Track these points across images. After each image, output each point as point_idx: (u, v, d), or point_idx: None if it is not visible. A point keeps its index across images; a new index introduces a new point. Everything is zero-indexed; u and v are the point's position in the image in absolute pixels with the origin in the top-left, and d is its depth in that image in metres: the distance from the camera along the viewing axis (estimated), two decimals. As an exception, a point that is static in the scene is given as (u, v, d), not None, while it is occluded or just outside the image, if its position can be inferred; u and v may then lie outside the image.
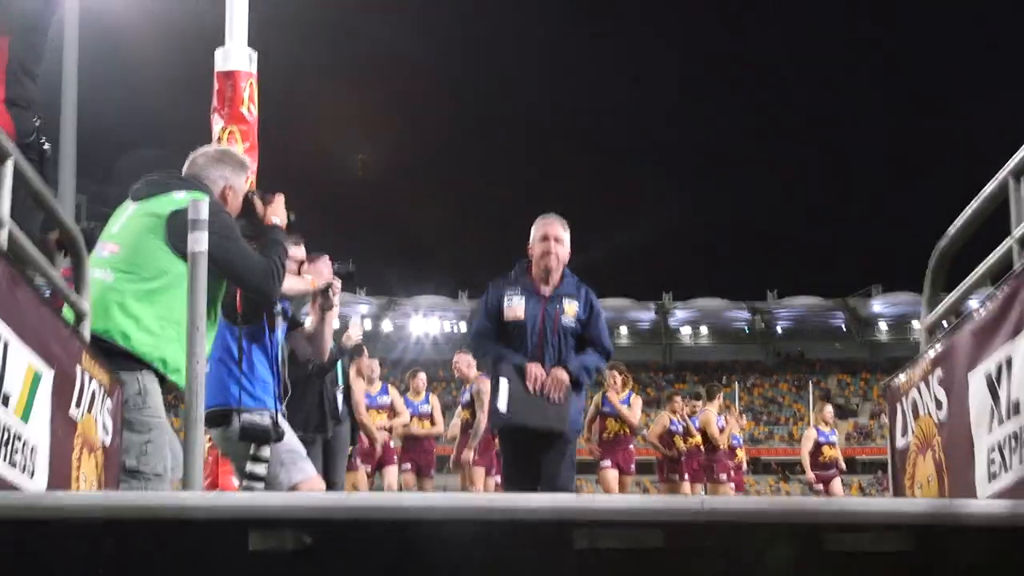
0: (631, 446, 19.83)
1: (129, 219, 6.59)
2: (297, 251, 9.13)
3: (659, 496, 14.30)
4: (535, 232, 8.94)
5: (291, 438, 8.51)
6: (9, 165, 5.05)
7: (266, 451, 8.16)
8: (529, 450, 8.91)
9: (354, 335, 13.07)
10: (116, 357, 6.22)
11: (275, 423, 8.18)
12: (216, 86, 11.98)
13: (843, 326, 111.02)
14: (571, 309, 8.83)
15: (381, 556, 3.39)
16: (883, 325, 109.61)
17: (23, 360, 4.84)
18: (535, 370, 8.73)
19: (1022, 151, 5.55)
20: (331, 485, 12.45)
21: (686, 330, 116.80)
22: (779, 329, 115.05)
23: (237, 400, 8.22)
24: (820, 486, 23.22)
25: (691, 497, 17.12)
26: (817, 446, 23.46)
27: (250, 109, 12.05)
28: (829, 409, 24.61)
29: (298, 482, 8.36)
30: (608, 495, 13.08)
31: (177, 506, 3.91)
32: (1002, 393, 5.18)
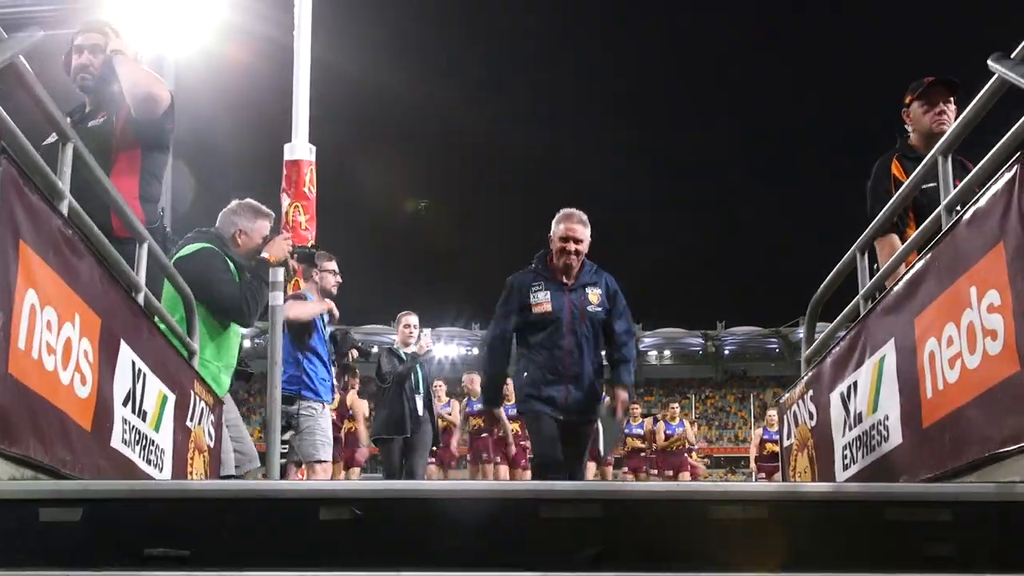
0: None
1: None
2: (330, 264, 9.98)
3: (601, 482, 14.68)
4: (556, 229, 7.72)
5: (327, 426, 9.56)
6: (145, 247, 5.57)
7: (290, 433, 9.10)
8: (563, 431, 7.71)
9: (425, 344, 12.89)
10: None
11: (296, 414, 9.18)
12: (285, 172, 12.36)
13: (777, 349, 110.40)
14: (595, 296, 7.72)
15: (408, 525, 3.65)
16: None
17: (156, 387, 5.29)
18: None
19: (865, 233, 5.98)
20: (412, 475, 12.44)
21: (653, 353, 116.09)
22: (726, 352, 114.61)
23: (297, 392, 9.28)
24: (763, 475, 23.43)
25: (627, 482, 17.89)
26: (762, 442, 24.04)
27: (310, 189, 12.36)
28: (773, 413, 24.97)
29: (320, 459, 9.37)
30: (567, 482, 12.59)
31: (273, 489, 4.36)
32: (851, 407, 5.57)
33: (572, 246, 7.60)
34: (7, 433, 3.61)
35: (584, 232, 7.67)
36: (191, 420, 5.87)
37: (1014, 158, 3.91)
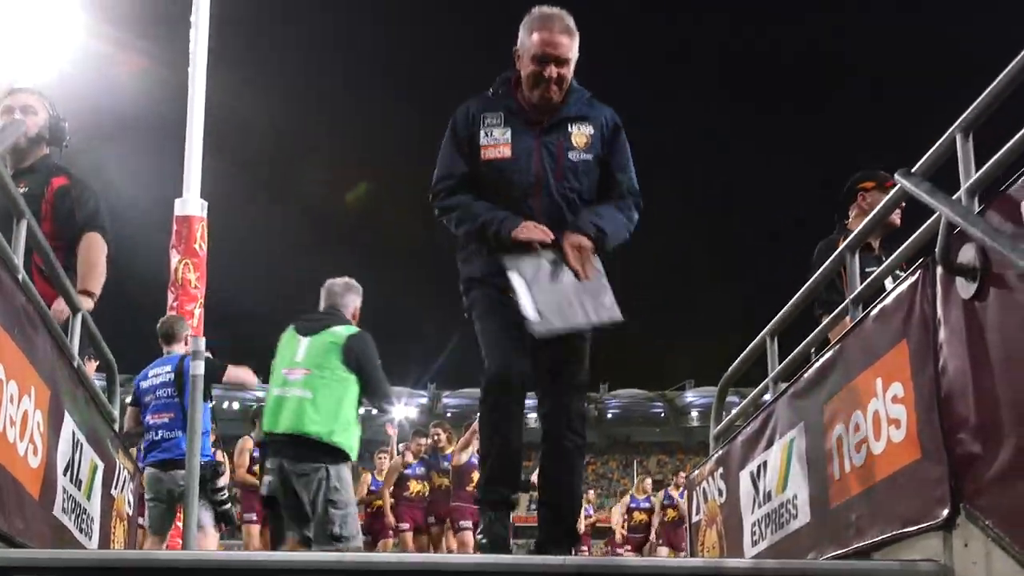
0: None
1: (309, 348, 7.91)
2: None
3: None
4: (526, 41, 4.94)
5: None
6: (79, 317, 6.00)
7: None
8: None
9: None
10: (318, 451, 7.74)
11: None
12: (175, 227, 12.84)
13: (663, 414, 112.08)
14: (581, 137, 4.93)
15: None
16: (694, 413, 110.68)
17: (89, 456, 5.73)
18: (531, 232, 4.90)
19: (777, 317, 6.58)
20: None
21: (532, 415, 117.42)
22: (609, 416, 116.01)
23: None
24: (628, 546, 23.35)
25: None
26: (629, 511, 24.04)
27: (201, 246, 12.90)
28: (648, 481, 25.42)
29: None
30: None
31: (193, 558, 4.84)
32: (760, 486, 6.17)
33: (552, 70, 4.89)
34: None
35: (570, 46, 4.93)
36: (115, 488, 6.29)
37: (917, 263, 4.61)
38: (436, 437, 16.03)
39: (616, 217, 5.14)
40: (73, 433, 5.38)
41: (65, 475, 5.26)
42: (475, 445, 13.94)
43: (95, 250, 6.42)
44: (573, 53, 4.94)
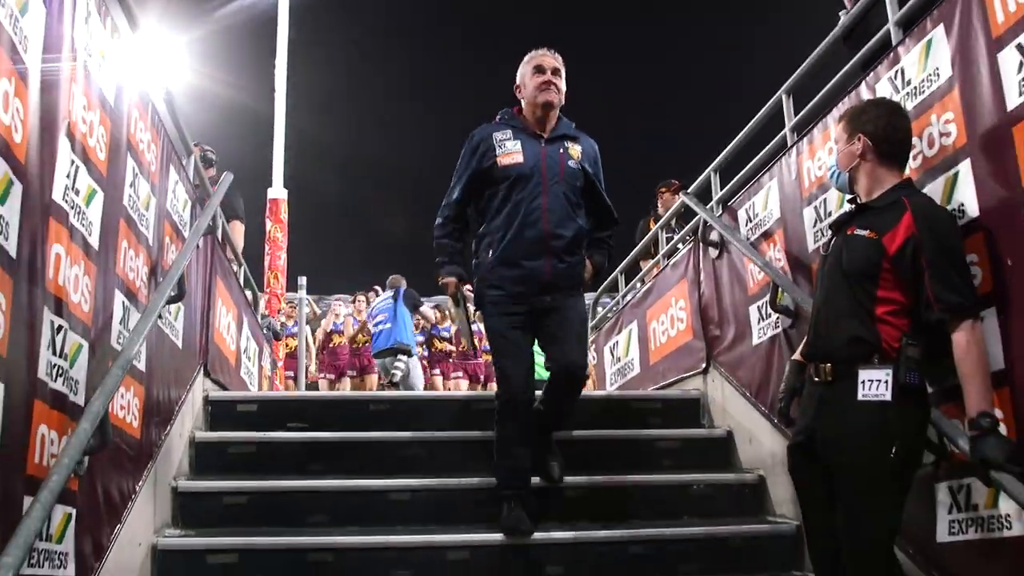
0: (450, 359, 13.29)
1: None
2: None
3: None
4: (527, 68, 4.19)
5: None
6: (242, 269, 6.84)
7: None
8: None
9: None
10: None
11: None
12: (268, 205, 13.28)
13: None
14: (575, 151, 4.17)
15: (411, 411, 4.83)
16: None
17: (252, 343, 6.58)
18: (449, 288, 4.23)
19: (623, 263, 7.36)
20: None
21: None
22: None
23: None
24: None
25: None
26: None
27: (284, 217, 13.30)
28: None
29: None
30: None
31: (344, 396, 5.63)
32: (616, 354, 6.84)
33: (550, 76, 4.13)
34: (212, 368, 5.02)
35: (558, 66, 4.18)
36: (261, 360, 7.11)
37: (691, 239, 5.54)
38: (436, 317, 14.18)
39: (604, 259, 4.38)
40: (246, 331, 6.30)
41: (244, 353, 6.17)
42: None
43: (238, 232, 6.87)
44: (563, 74, 4.15)
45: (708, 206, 5.29)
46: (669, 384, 5.65)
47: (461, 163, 4.22)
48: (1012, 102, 2.82)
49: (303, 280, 10.14)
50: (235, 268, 6.12)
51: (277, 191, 13.35)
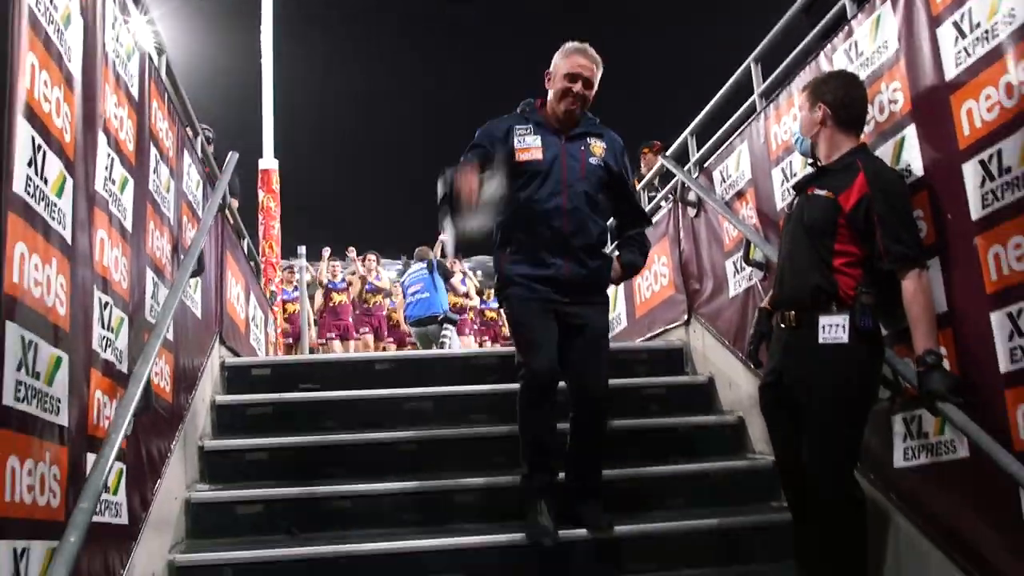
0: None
1: None
2: None
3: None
4: (560, 64, 3.87)
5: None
6: (246, 240, 7.11)
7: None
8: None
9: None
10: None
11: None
12: (260, 176, 13.40)
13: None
14: (597, 148, 3.89)
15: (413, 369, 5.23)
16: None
17: (258, 310, 6.88)
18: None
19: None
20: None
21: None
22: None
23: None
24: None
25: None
26: None
27: (276, 186, 13.41)
28: None
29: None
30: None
31: (351, 359, 5.93)
32: None
33: (579, 87, 3.83)
34: (227, 336, 5.34)
35: (596, 74, 3.90)
36: (267, 327, 7.43)
37: (672, 198, 5.84)
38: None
39: (638, 258, 4.10)
40: (253, 300, 6.59)
41: (252, 321, 6.48)
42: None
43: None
44: (597, 80, 3.87)
45: (686, 168, 5.58)
46: (654, 336, 5.96)
47: (474, 150, 3.82)
48: (950, 73, 3.13)
49: (302, 249, 10.45)
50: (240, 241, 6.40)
51: (268, 162, 13.43)
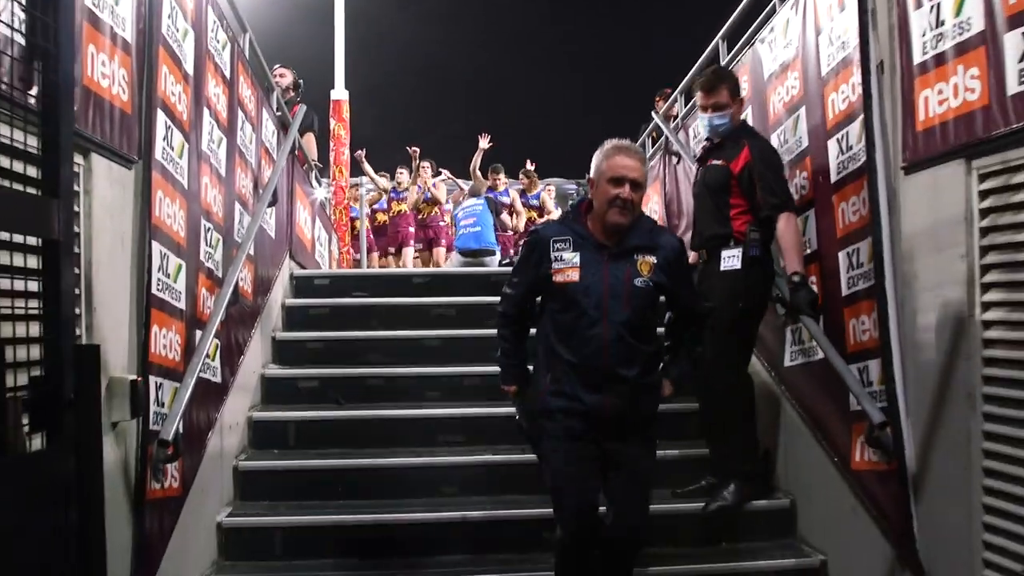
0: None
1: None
2: None
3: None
4: (603, 164, 3.37)
5: None
6: (313, 172, 8.36)
7: None
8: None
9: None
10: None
11: None
12: (332, 106, 14.51)
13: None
14: (646, 265, 3.33)
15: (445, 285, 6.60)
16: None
17: (324, 232, 8.14)
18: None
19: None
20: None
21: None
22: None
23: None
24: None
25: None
26: None
27: (346, 115, 14.51)
28: None
29: None
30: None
31: (397, 273, 7.17)
32: None
33: (626, 191, 3.32)
34: (295, 253, 6.60)
35: (642, 172, 3.41)
36: (331, 245, 8.65)
37: (659, 154, 6.87)
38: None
39: (688, 361, 3.67)
40: (318, 224, 7.83)
41: (317, 240, 7.73)
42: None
43: (310, 142, 7.98)
44: (645, 178, 3.44)
45: (672, 125, 6.60)
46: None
47: (520, 260, 3.57)
48: (823, 69, 4.16)
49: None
50: (308, 174, 7.65)
51: (339, 92, 14.50)
